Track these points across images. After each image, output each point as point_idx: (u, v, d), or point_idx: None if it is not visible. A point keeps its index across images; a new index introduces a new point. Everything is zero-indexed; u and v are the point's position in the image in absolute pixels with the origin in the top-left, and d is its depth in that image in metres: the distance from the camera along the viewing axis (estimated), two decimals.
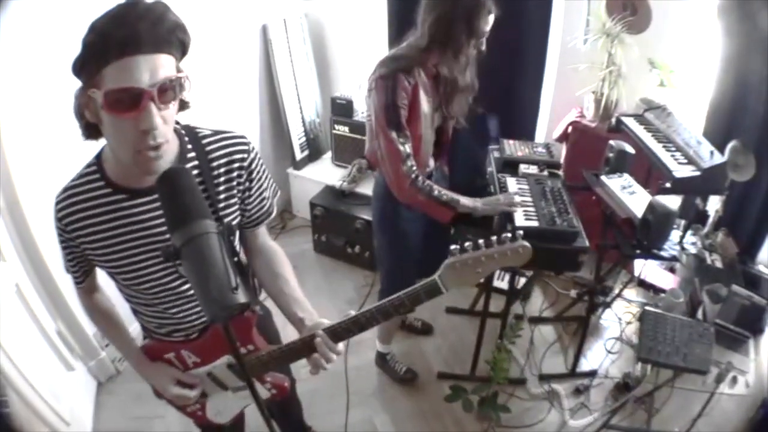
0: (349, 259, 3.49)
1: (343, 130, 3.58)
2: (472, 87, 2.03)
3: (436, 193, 1.93)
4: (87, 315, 1.49)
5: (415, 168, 1.90)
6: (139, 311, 1.40)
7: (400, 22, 3.03)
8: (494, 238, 1.12)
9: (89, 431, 2.48)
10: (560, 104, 3.23)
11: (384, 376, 2.79)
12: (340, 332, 1.20)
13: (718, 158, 2.25)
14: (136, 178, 1.14)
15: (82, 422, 2.45)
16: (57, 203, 1.20)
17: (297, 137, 3.68)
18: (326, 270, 3.53)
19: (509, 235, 1.12)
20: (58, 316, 2.44)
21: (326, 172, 3.71)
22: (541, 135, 3.35)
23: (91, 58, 0.94)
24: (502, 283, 3.08)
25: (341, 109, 3.53)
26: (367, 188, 3.45)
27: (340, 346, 1.21)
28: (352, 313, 1.20)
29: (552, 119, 3.30)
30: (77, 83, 1.01)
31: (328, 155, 3.85)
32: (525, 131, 3.19)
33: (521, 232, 1.15)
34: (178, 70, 1.02)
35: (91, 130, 1.07)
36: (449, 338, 3.02)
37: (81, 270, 1.33)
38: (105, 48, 0.92)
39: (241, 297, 0.85)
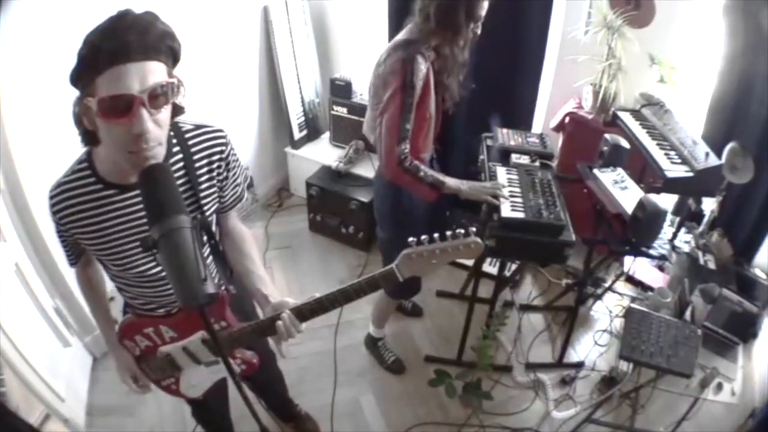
0: (343, 239, 3.52)
1: (341, 110, 3.58)
2: (465, 64, 2.10)
3: (421, 174, 2.00)
4: (78, 287, 1.59)
5: (407, 151, 1.97)
6: (124, 290, 1.48)
7: (400, 3, 3.01)
8: (449, 233, 1.25)
9: (84, 407, 2.52)
10: (558, 94, 3.20)
11: (372, 357, 2.82)
12: (305, 312, 1.29)
13: (713, 160, 2.24)
14: (124, 175, 1.22)
15: (78, 398, 2.51)
16: (51, 197, 1.26)
17: (296, 117, 3.67)
18: (320, 249, 3.55)
19: (462, 231, 1.25)
20: (56, 293, 2.50)
21: (324, 152, 3.71)
22: (538, 124, 3.32)
23: (85, 69, 1.00)
24: (493, 268, 3.09)
25: (340, 90, 3.53)
26: (362, 169, 3.48)
27: (303, 325, 1.30)
28: (317, 294, 1.30)
29: (549, 109, 3.28)
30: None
31: (327, 135, 3.85)
32: (522, 120, 3.17)
33: (474, 228, 1.27)
34: (170, 76, 1.08)
35: (90, 137, 1.14)
36: (438, 321, 3.05)
37: (74, 253, 1.44)
38: (96, 59, 0.98)
39: (210, 288, 0.93)
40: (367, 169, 3.46)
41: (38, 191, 2.19)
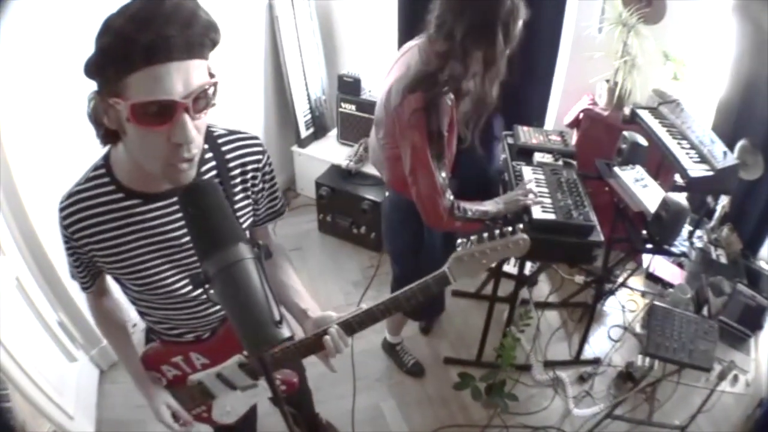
0: (355, 240, 3.47)
1: (349, 108, 3.52)
2: (494, 103, 1.79)
3: (469, 214, 1.87)
4: (95, 321, 1.44)
5: (452, 198, 1.81)
6: (147, 314, 1.35)
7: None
8: (497, 231, 1.25)
9: (93, 423, 2.45)
10: (571, 90, 3.19)
11: (391, 361, 2.79)
12: (354, 325, 1.22)
13: (731, 159, 2.25)
14: (151, 182, 1.07)
15: (87, 414, 2.44)
16: (62, 209, 1.12)
17: (302, 115, 3.61)
18: (331, 250, 3.50)
19: (510, 228, 1.25)
20: (60, 306, 2.40)
21: (331, 151, 3.65)
22: (550, 120, 3.31)
23: (111, 64, 0.84)
24: (513, 268, 3.06)
25: (349, 87, 3.46)
26: (372, 168, 3.33)
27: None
28: (365, 306, 1.24)
29: (562, 105, 3.26)
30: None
31: (333, 133, 3.79)
32: (536, 116, 3.15)
33: (521, 225, 1.27)
34: (210, 75, 0.93)
35: (110, 137, 0.99)
36: (455, 322, 3.02)
37: (89, 275, 1.26)
38: (128, 54, 0.82)
39: (286, 331, 0.78)
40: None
41: (37, 200, 2.12)
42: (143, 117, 0.86)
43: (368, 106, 3.41)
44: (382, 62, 3.45)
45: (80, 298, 2.39)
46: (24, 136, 2.05)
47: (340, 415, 2.45)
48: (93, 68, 0.88)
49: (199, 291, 1.18)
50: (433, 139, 1.71)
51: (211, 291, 0.82)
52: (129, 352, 1.43)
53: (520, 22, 1.68)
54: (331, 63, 3.81)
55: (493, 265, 1.32)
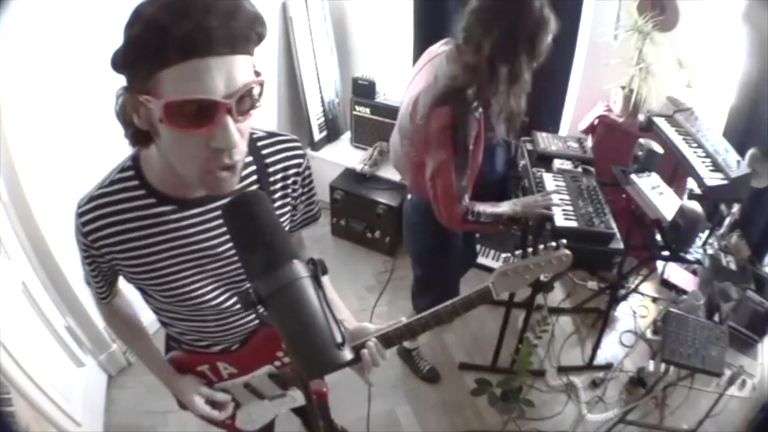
0: (368, 244, 3.47)
1: (364, 111, 3.50)
2: (521, 114, 1.80)
3: (483, 219, 1.90)
4: (107, 324, 1.37)
5: (467, 204, 1.85)
6: (171, 324, 1.27)
7: (425, 1, 3.00)
8: (541, 246, 1.26)
9: (101, 430, 2.41)
10: (586, 96, 3.19)
11: (406, 367, 2.80)
12: (392, 338, 1.21)
13: (744, 168, 2.26)
14: (186, 188, 0.99)
15: (94, 420, 2.40)
16: (81, 214, 1.00)
17: (315, 117, 3.61)
18: (344, 254, 3.49)
19: (553, 244, 1.26)
20: (67, 310, 2.36)
21: (345, 154, 3.64)
22: (564, 126, 3.32)
23: (141, 57, 0.75)
24: None
25: (363, 90, 3.45)
26: (388, 172, 3.41)
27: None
28: (404, 319, 1.23)
29: (576, 111, 3.27)
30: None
31: (347, 136, 3.78)
32: (551, 122, 3.16)
33: (564, 241, 1.28)
34: (256, 73, 0.84)
35: (141, 137, 0.88)
36: (470, 327, 3.04)
37: (106, 284, 1.18)
38: (162, 47, 0.72)
39: (347, 354, 0.72)
40: (393, 172, 3.32)
41: (45, 202, 2.08)
42: (178, 118, 0.77)
43: (382, 110, 3.42)
44: (396, 65, 3.46)
45: (89, 302, 2.37)
46: (31, 136, 2.00)
47: (355, 420, 2.46)
48: (121, 61, 0.79)
49: (232, 302, 1.18)
50: (459, 154, 1.73)
51: (263, 311, 0.74)
52: (153, 353, 1.35)
53: (549, 37, 1.67)
54: (345, 65, 3.80)
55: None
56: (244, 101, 0.81)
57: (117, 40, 0.77)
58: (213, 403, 1.35)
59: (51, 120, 2.05)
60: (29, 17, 1.89)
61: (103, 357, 2.60)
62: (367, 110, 3.49)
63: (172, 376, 1.33)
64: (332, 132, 3.77)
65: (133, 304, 1.33)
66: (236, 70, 0.78)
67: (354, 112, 3.55)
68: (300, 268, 0.75)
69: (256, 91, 0.83)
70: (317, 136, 3.65)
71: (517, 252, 1.26)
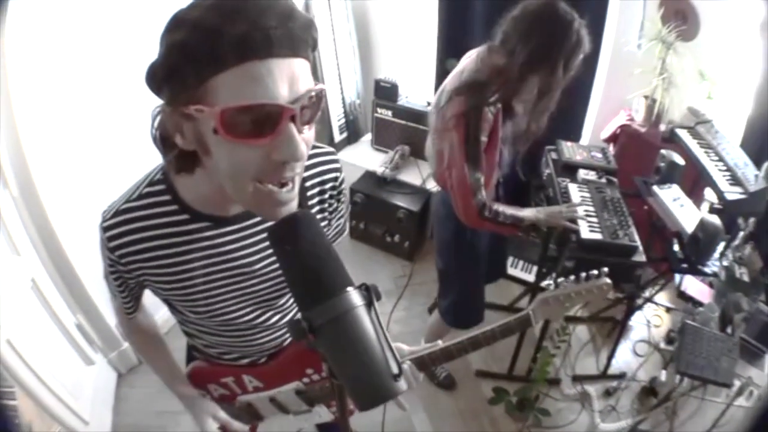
0: (387, 248, 3.48)
1: (385, 113, 3.49)
2: (541, 130, 1.88)
3: (501, 218, 1.92)
4: (127, 338, 1.36)
5: (483, 199, 1.86)
6: (198, 337, 1.24)
7: (451, 3, 2.98)
8: (583, 275, 1.29)
9: (110, 429, 2.40)
10: (608, 105, 3.19)
11: (422, 373, 2.82)
12: (427, 362, 1.20)
13: (762, 182, 2.28)
14: (222, 204, 0.93)
15: (103, 419, 2.38)
16: (107, 228, 0.94)
17: (336, 118, 3.62)
18: (363, 258, 3.49)
19: (595, 272, 1.29)
20: (78, 308, 2.34)
21: (365, 156, 3.64)
22: (586, 134, 3.32)
23: (190, 63, 0.69)
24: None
25: (385, 92, 3.44)
26: (409, 176, 3.42)
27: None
28: (440, 343, 1.23)
29: (598, 119, 3.27)
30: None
31: (367, 138, 3.78)
32: (573, 130, 3.16)
33: (606, 269, 1.31)
34: (315, 80, 0.77)
35: (186, 161, 0.81)
36: None
37: (133, 299, 1.12)
38: (215, 49, 0.66)
39: (403, 385, 0.68)
40: (413, 176, 3.40)
41: (56, 197, 2.05)
42: (236, 127, 0.70)
43: (404, 113, 3.42)
44: (420, 68, 3.45)
45: (100, 300, 2.36)
46: (43, 131, 1.98)
47: (370, 427, 2.51)
48: (162, 73, 0.72)
49: (263, 318, 1.17)
50: (470, 143, 1.77)
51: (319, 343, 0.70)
52: (173, 369, 1.32)
53: (582, 56, 1.69)
54: (367, 67, 3.80)
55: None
56: (307, 110, 0.74)
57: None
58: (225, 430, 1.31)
59: (63, 115, 2.04)
60: (41, 15, 1.87)
61: (114, 355, 2.59)
62: (389, 113, 3.48)
63: (190, 395, 1.31)
64: (353, 133, 3.79)
65: (152, 315, 1.30)
66: (298, 75, 0.71)
67: (375, 114, 3.54)
68: (356, 297, 0.69)
69: (319, 98, 0.76)
70: (338, 137, 3.67)
71: (560, 280, 1.30)
